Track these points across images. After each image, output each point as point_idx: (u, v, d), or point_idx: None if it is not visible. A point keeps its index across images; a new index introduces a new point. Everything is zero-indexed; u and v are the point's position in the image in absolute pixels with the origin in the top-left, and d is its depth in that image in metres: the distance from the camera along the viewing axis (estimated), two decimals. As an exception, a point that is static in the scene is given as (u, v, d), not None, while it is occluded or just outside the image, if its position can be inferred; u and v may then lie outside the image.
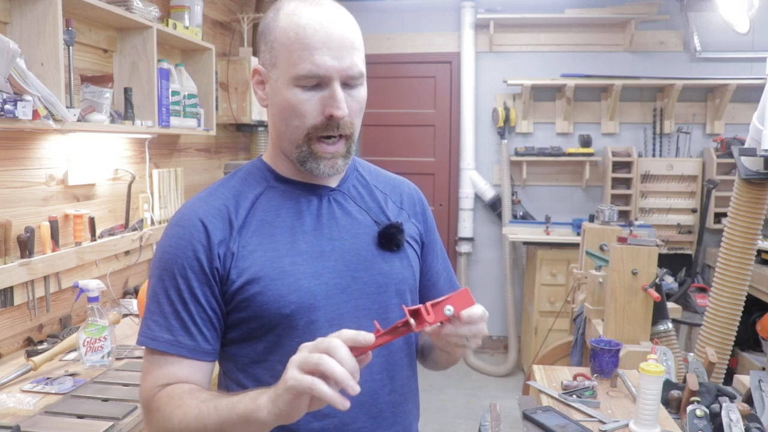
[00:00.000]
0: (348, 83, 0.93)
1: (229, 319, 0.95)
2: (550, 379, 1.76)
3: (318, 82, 0.91)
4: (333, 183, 1.03)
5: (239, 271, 0.92)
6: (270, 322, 0.92)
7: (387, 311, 0.99)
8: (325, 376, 0.72)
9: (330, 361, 0.72)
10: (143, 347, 0.94)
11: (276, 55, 0.93)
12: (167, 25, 2.58)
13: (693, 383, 1.52)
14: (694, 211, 4.13)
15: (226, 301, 0.94)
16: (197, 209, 0.96)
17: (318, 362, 0.72)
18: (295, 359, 0.74)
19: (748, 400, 1.55)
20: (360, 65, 0.94)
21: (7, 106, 1.63)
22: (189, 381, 0.91)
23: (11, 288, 1.90)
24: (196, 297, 0.92)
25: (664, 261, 2.95)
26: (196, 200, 0.98)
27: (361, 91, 0.96)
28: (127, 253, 2.54)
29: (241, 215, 0.96)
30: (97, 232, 2.31)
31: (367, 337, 0.76)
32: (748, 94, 4.02)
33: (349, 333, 0.75)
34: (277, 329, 0.92)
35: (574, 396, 1.62)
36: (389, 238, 1.00)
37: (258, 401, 0.78)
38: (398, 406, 1.00)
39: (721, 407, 1.41)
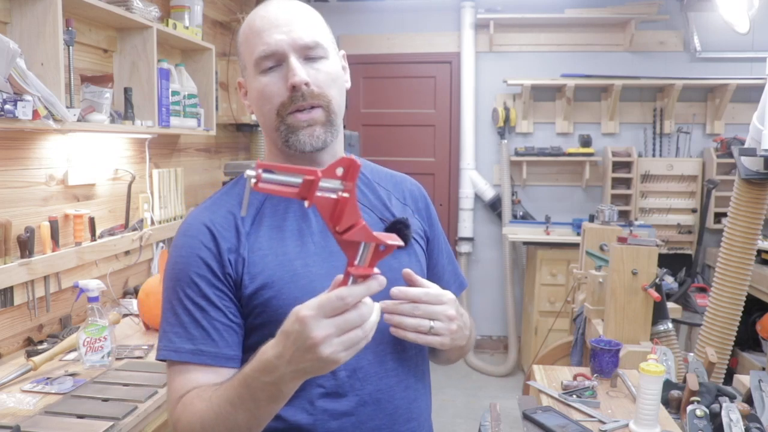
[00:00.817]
0: (308, 56, 0.93)
1: (245, 326, 0.94)
2: (550, 379, 1.76)
3: (275, 61, 0.93)
4: None
5: (252, 277, 0.92)
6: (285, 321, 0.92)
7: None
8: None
9: (372, 326, 0.73)
10: (165, 362, 0.93)
11: (243, 58, 0.98)
12: (167, 25, 2.58)
13: (693, 383, 1.52)
14: (694, 211, 4.13)
15: (242, 306, 0.93)
16: (203, 218, 0.95)
17: (364, 334, 0.73)
18: (335, 344, 0.71)
19: (748, 400, 1.55)
20: (315, 36, 0.94)
21: (7, 106, 1.63)
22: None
23: (11, 288, 1.90)
24: (213, 302, 0.91)
25: (664, 261, 2.95)
26: (201, 209, 0.98)
27: (326, 63, 0.95)
28: (127, 253, 2.54)
29: (247, 221, 0.96)
30: (97, 232, 2.31)
31: (379, 281, 0.73)
32: (748, 94, 4.02)
33: (353, 294, 0.71)
34: None
35: (574, 396, 1.62)
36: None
37: (282, 388, 0.77)
38: (413, 402, 1.00)
39: (721, 407, 1.41)
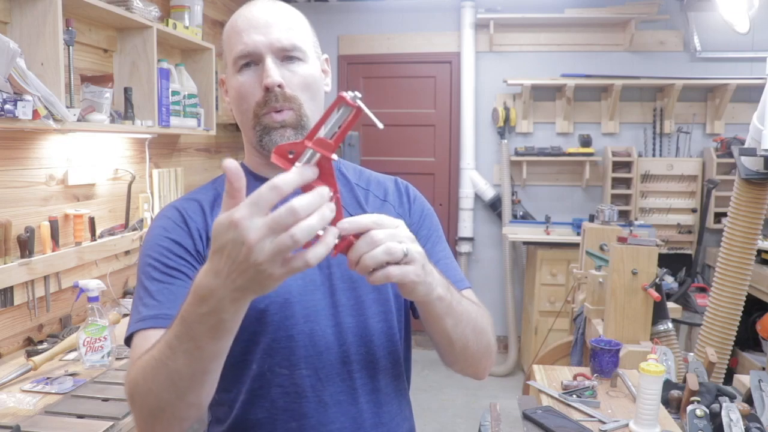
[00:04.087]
0: (285, 57, 0.94)
1: None
2: (550, 379, 1.76)
3: (252, 60, 0.93)
4: None
5: None
6: (245, 318, 0.86)
7: (363, 307, 0.96)
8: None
9: (306, 230, 0.60)
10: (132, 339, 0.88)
11: (224, 55, 0.99)
12: (167, 24, 2.58)
13: (693, 383, 1.52)
14: (694, 211, 4.13)
15: None
16: (175, 204, 0.99)
17: (292, 240, 0.60)
18: (267, 251, 0.60)
19: (748, 400, 1.55)
20: (293, 39, 0.94)
21: (7, 106, 1.63)
22: None
23: (11, 288, 1.90)
24: (181, 272, 0.90)
25: (664, 261, 2.94)
26: (176, 199, 1.02)
27: (303, 67, 0.95)
28: (127, 252, 2.54)
29: (216, 212, 0.96)
30: (97, 232, 2.31)
31: (306, 172, 0.63)
32: (748, 94, 4.02)
33: (285, 181, 0.61)
34: (253, 326, 0.91)
35: (574, 396, 1.62)
36: None
37: (222, 315, 0.67)
38: (382, 407, 0.97)
39: (721, 407, 1.41)
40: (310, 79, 0.96)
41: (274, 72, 0.91)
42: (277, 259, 0.61)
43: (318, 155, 0.65)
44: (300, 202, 0.61)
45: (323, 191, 0.63)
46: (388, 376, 0.99)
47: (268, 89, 0.92)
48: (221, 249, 0.63)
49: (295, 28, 0.95)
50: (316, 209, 0.62)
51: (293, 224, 0.60)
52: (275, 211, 0.60)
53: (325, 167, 0.66)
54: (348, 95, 0.66)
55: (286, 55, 0.94)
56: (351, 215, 0.80)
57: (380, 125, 0.76)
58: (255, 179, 1.01)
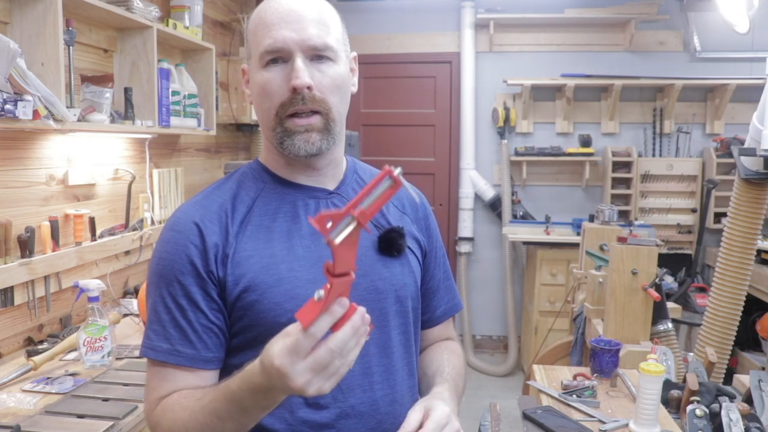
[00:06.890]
0: (315, 56, 0.90)
1: (230, 327, 0.92)
2: (550, 378, 1.76)
3: (280, 57, 0.89)
4: (331, 186, 0.99)
5: (236, 278, 0.89)
6: (267, 331, 0.87)
7: (386, 318, 0.96)
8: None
9: (353, 359, 0.74)
10: (146, 358, 0.93)
11: (249, 46, 0.95)
12: (167, 25, 2.58)
13: (693, 383, 1.53)
14: (694, 211, 4.13)
15: (226, 307, 0.91)
16: (192, 213, 0.93)
17: (347, 367, 0.74)
18: (316, 384, 0.72)
19: (748, 399, 1.55)
20: (326, 38, 0.90)
21: (8, 106, 1.63)
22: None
23: (11, 288, 1.90)
24: (194, 302, 0.89)
25: (664, 261, 2.95)
26: (192, 203, 0.96)
27: (333, 68, 0.91)
28: (127, 252, 2.54)
29: (237, 219, 0.93)
30: (98, 232, 2.31)
31: (342, 304, 0.73)
32: (748, 94, 4.02)
33: (318, 329, 0.71)
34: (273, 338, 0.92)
35: (574, 396, 1.62)
36: (390, 243, 0.97)
37: (276, 400, 0.79)
38: (400, 416, 0.96)
39: (720, 407, 1.41)
40: (340, 81, 0.92)
41: (303, 73, 0.87)
42: (333, 378, 0.73)
43: (355, 224, 0.70)
44: (337, 342, 0.71)
45: (356, 323, 0.72)
46: (406, 386, 0.99)
47: (296, 90, 0.88)
48: (269, 375, 0.73)
49: (328, 25, 0.91)
50: (352, 338, 0.72)
51: (335, 360, 0.71)
52: (315, 352, 0.70)
53: (355, 236, 0.71)
54: (395, 171, 0.71)
55: (317, 54, 0.89)
56: (375, 226, 0.96)
57: (417, 198, 0.90)
58: (273, 179, 0.98)
